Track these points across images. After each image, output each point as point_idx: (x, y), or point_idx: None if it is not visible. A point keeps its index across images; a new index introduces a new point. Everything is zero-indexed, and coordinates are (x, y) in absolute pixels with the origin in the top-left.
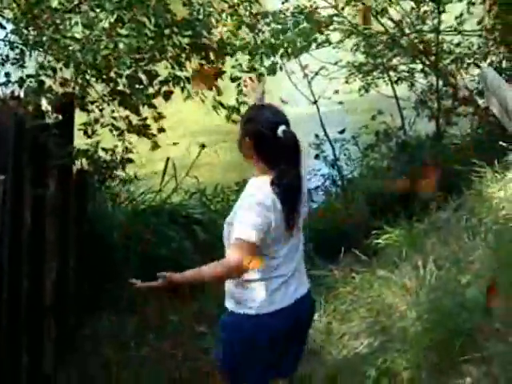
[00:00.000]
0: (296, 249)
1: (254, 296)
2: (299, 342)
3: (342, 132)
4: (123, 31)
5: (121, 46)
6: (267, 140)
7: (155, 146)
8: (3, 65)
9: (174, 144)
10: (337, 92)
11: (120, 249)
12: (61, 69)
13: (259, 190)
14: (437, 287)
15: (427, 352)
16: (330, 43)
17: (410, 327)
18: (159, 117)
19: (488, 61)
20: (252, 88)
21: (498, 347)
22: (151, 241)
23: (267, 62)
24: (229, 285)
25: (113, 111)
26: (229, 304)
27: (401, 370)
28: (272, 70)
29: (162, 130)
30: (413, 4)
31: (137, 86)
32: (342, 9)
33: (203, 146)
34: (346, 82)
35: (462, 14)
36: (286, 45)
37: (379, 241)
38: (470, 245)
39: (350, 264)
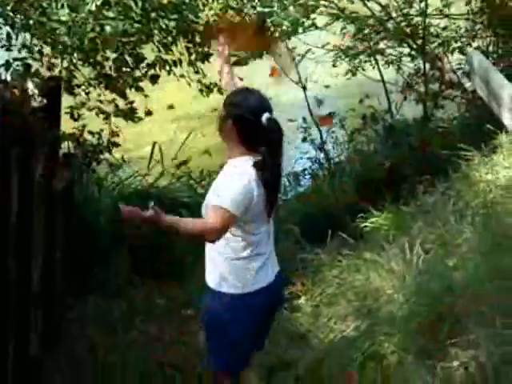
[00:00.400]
0: (270, 230)
1: (240, 274)
2: (273, 317)
3: (330, 115)
4: (110, 14)
5: (107, 28)
6: (251, 126)
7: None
8: None
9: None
10: (327, 86)
11: (107, 233)
12: (42, 47)
13: (243, 167)
14: (424, 271)
15: (414, 335)
16: (317, 27)
17: (397, 311)
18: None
19: (475, 44)
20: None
21: (486, 331)
22: (138, 224)
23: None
24: (215, 261)
25: (99, 95)
26: (213, 283)
27: (388, 354)
28: (258, 54)
29: (149, 112)
30: None
31: (123, 69)
32: None
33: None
34: (334, 66)
35: None
36: (272, 28)
37: (366, 224)
38: (457, 228)
39: (337, 247)
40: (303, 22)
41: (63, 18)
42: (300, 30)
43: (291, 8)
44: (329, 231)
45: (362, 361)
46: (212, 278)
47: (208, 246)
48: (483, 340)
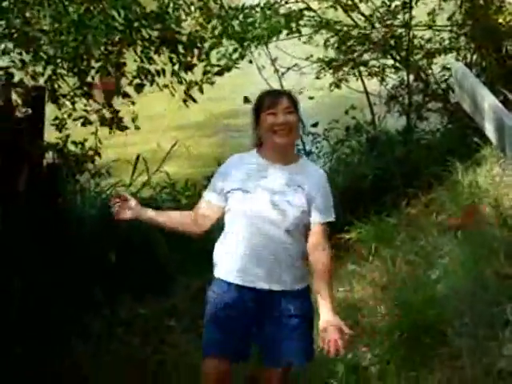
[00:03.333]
0: None
1: None
2: None
3: (315, 125)
4: (92, 23)
5: (89, 38)
6: None
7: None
8: None
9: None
10: (311, 98)
11: (90, 242)
12: (24, 57)
13: None
14: (406, 282)
15: (396, 347)
16: (300, 33)
17: (379, 322)
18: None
19: (459, 56)
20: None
21: (468, 343)
22: (123, 234)
23: (235, 55)
24: (298, 263)
25: (85, 105)
26: (301, 284)
27: (370, 366)
28: (241, 57)
29: (135, 119)
30: None
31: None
32: None
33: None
34: (317, 78)
35: (434, 10)
36: (255, 39)
37: (349, 236)
38: (440, 240)
39: None
40: (287, 27)
41: (46, 28)
42: (283, 35)
43: (273, 19)
44: None
45: (344, 372)
46: (302, 281)
47: (293, 254)
48: (466, 351)
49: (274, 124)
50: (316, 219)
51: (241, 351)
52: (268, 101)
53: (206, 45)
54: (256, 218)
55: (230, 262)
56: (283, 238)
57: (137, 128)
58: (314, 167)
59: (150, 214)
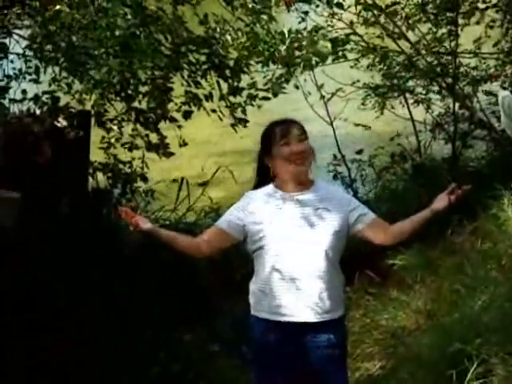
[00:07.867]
0: None
1: None
2: None
3: (359, 152)
4: (138, 48)
5: (136, 62)
6: None
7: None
8: (16, 80)
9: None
10: (357, 125)
11: (132, 266)
12: (72, 81)
13: None
14: (451, 311)
15: (440, 376)
16: (346, 58)
17: (423, 350)
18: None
19: (504, 84)
20: None
21: None
22: (167, 259)
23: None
24: (337, 291)
25: (132, 129)
26: (340, 311)
27: None
28: (285, 81)
29: (184, 144)
30: (430, 25)
31: (155, 103)
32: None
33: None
34: (363, 104)
35: (480, 38)
36: (301, 64)
37: (394, 262)
38: (485, 269)
39: (364, 285)
40: (333, 52)
41: (92, 52)
42: (329, 60)
43: (321, 42)
44: (356, 269)
45: None
46: (336, 308)
47: (329, 281)
48: (510, 381)
49: (290, 154)
50: (370, 216)
51: None
52: (280, 131)
53: (252, 69)
54: (286, 250)
55: (265, 300)
56: (318, 265)
57: (172, 154)
58: (331, 186)
59: (162, 231)
